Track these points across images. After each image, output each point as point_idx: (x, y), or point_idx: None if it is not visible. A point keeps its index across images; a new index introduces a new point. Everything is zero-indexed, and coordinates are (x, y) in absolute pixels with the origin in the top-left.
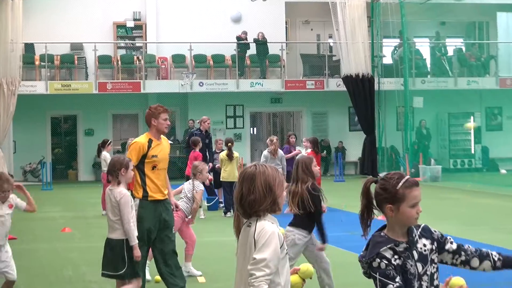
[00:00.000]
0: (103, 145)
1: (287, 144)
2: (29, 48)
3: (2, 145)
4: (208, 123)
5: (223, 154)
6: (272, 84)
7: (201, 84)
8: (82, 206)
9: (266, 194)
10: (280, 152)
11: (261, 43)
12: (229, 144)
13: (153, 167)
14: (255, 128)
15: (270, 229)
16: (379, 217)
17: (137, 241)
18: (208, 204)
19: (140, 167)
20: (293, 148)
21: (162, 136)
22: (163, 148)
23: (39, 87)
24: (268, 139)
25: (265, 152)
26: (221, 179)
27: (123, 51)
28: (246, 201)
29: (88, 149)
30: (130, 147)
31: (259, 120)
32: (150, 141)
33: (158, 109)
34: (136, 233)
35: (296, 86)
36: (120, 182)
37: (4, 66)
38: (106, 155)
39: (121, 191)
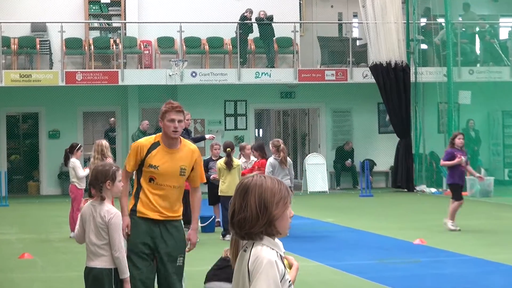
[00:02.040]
0: (71, 150)
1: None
2: None
3: None
4: (188, 119)
5: (220, 163)
6: (283, 75)
7: (193, 74)
8: (45, 227)
9: (259, 213)
10: (289, 160)
11: (267, 23)
12: (228, 149)
13: (150, 180)
14: (261, 130)
15: (266, 257)
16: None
17: (128, 274)
18: (203, 225)
19: (137, 174)
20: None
21: (185, 142)
22: (172, 159)
23: None
24: (271, 144)
25: (272, 160)
26: (219, 193)
27: (96, 33)
28: (236, 219)
29: (52, 156)
30: (130, 148)
31: (266, 119)
32: (154, 145)
33: (165, 107)
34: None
35: (313, 77)
36: (104, 198)
37: None
38: (76, 163)
39: (109, 209)
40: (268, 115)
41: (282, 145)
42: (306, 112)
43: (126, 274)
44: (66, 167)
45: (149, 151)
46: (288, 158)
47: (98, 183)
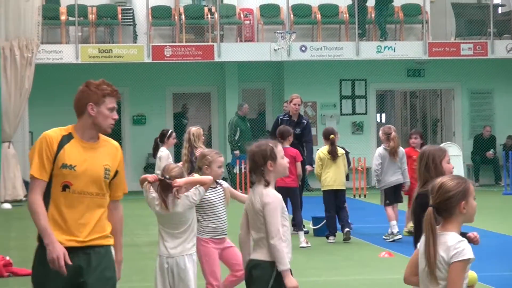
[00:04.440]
0: (161, 138)
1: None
2: None
3: (14, 138)
4: (297, 105)
5: (323, 152)
6: (410, 49)
7: (303, 48)
8: (129, 228)
9: None
10: (401, 150)
11: None
12: (332, 136)
13: (64, 187)
14: (383, 114)
15: None
16: None
17: (288, 266)
18: (315, 227)
19: (47, 183)
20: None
21: (105, 137)
22: (93, 157)
23: (66, 54)
24: (381, 131)
25: (381, 150)
26: (321, 188)
27: (188, 0)
28: None
29: (137, 144)
30: (32, 147)
31: (390, 102)
32: (66, 138)
33: (104, 89)
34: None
35: (446, 52)
36: (268, 182)
37: (15, 23)
38: (163, 152)
39: (267, 192)
40: (392, 97)
41: (394, 133)
42: (438, 94)
43: (284, 265)
44: (155, 158)
45: (60, 146)
46: (401, 148)
47: (258, 167)
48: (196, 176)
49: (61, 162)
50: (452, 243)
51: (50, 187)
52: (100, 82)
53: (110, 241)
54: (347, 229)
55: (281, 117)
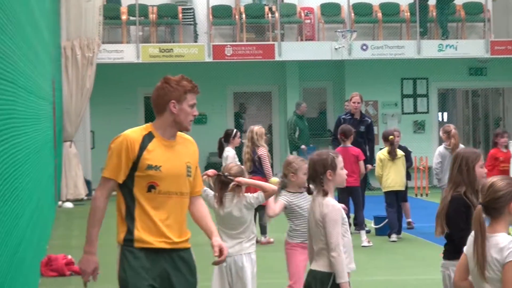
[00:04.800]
0: (226, 138)
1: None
2: None
3: (76, 138)
4: (356, 103)
5: (383, 153)
6: (472, 47)
7: (364, 47)
8: (191, 228)
9: None
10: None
11: None
12: (391, 137)
13: (150, 188)
14: (445, 113)
15: None
16: None
17: (347, 279)
18: (376, 226)
19: (126, 185)
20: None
21: (180, 133)
22: (175, 155)
23: (127, 53)
24: (442, 130)
25: (441, 149)
26: (383, 190)
27: (248, 0)
28: None
29: (198, 143)
30: (110, 146)
31: (452, 101)
32: (148, 137)
33: (183, 85)
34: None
35: (508, 50)
36: (326, 192)
37: (76, 23)
38: (229, 152)
39: (327, 202)
40: (454, 95)
41: (453, 130)
42: (500, 92)
43: (341, 278)
44: (220, 158)
45: (142, 147)
46: (461, 146)
47: (318, 176)
48: (261, 182)
49: (145, 164)
50: (505, 244)
51: (132, 190)
52: (180, 78)
53: (190, 245)
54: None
55: (343, 116)
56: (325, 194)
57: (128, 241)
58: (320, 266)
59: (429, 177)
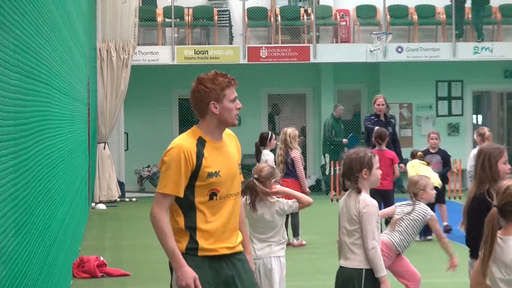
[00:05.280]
0: (262, 142)
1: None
2: None
3: (109, 139)
4: (380, 105)
5: (413, 163)
6: (507, 50)
7: (399, 49)
8: None
9: None
10: None
11: None
12: (419, 153)
13: (212, 195)
14: (480, 116)
15: None
16: None
17: (385, 272)
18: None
19: (185, 196)
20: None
21: (226, 130)
22: (226, 156)
23: (162, 55)
24: (476, 133)
25: (475, 151)
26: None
27: (284, 1)
28: None
29: None
30: (163, 159)
31: (487, 103)
32: (200, 144)
33: (218, 82)
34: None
35: None
36: (360, 190)
37: (112, 24)
38: (270, 156)
39: (364, 198)
40: (489, 98)
41: (488, 133)
42: None
43: (381, 272)
44: (258, 162)
45: (199, 155)
46: None
47: (353, 173)
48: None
49: (206, 172)
50: None
51: (193, 200)
52: (214, 75)
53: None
54: None
55: (372, 118)
56: (359, 192)
57: (192, 250)
58: (351, 263)
59: (463, 180)
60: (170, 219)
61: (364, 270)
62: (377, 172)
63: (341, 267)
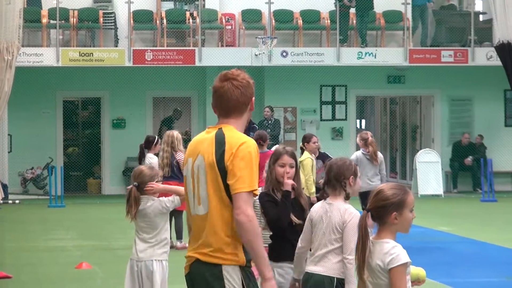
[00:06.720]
0: (147, 145)
1: None
2: None
3: None
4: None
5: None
6: (390, 55)
7: (284, 54)
8: (107, 232)
9: None
10: (380, 156)
11: None
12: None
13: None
14: (363, 120)
15: None
16: None
17: (356, 285)
18: None
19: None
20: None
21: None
22: None
23: (46, 57)
24: (359, 136)
25: (359, 154)
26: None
27: (169, 5)
28: None
29: (116, 148)
30: (247, 153)
31: (370, 108)
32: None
33: (249, 78)
34: None
35: (426, 59)
36: (349, 196)
37: None
38: (154, 159)
39: (349, 209)
40: (372, 103)
41: (370, 138)
42: (418, 100)
43: (353, 284)
44: (141, 164)
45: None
46: (379, 154)
47: (341, 180)
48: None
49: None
50: (387, 250)
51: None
52: (241, 74)
53: None
54: None
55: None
56: (348, 198)
57: (249, 262)
58: (323, 270)
59: None
60: (222, 224)
61: (335, 279)
62: (359, 181)
63: (309, 273)
